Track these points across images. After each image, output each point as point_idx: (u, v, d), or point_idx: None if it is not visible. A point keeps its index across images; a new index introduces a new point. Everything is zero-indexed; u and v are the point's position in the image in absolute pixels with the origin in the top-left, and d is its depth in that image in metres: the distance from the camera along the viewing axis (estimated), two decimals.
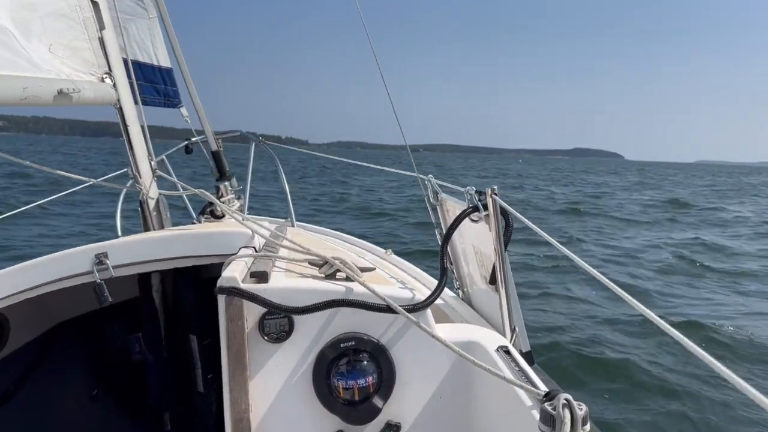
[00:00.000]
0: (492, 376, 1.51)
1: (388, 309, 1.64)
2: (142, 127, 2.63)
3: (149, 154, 2.64)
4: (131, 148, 2.57)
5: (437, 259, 2.04)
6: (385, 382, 1.70)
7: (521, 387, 1.47)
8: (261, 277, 1.68)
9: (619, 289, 1.36)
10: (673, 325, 1.26)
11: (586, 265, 1.56)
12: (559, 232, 15.61)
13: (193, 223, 2.92)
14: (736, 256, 13.19)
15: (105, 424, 2.57)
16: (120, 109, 2.49)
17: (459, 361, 1.70)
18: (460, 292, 2.75)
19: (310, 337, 1.68)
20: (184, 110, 3.92)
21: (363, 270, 1.83)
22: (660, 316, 1.24)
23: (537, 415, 1.35)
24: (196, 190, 2.41)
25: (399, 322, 1.70)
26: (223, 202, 2.90)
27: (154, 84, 3.71)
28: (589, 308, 8.06)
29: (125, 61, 2.55)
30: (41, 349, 2.38)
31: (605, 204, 25.83)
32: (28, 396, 2.30)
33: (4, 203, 14.74)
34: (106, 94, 2.36)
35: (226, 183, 3.12)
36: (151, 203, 2.64)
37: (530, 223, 1.83)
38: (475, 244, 2.30)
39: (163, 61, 3.75)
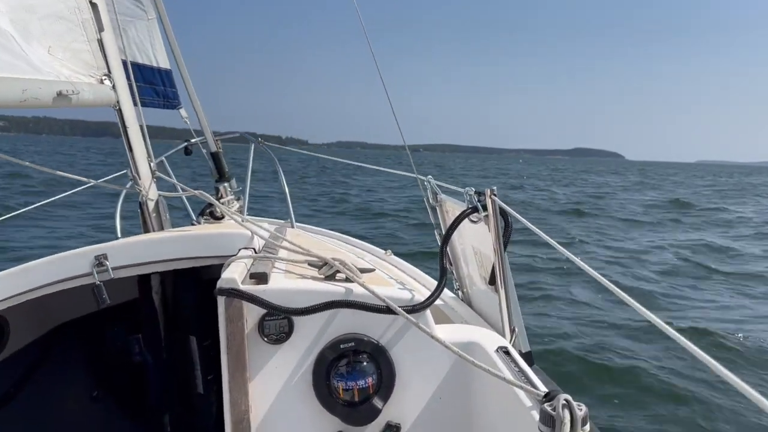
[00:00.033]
0: (492, 377, 1.51)
1: (387, 310, 1.64)
2: (142, 128, 2.63)
3: (149, 156, 2.65)
4: (131, 149, 2.57)
5: (437, 260, 2.04)
6: (385, 383, 1.70)
7: (521, 387, 1.47)
8: (260, 278, 1.68)
9: (622, 293, 1.35)
10: (680, 330, 1.25)
11: (587, 266, 1.55)
12: (562, 233, 15.48)
13: (193, 225, 2.92)
14: (741, 258, 13.03)
15: (105, 425, 2.57)
16: (119, 110, 2.49)
17: (459, 361, 1.70)
18: (459, 292, 2.75)
19: (309, 338, 1.68)
20: (183, 111, 3.92)
21: (362, 271, 1.83)
22: (667, 322, 1.22)
23: (537, 416, 1.35)
24: (196, 192, 2.41)
25: (399, 322, 1.70)
26: (222, 204, 2.90)
27: (153, 85, 3.71)
28: (593, 312, 7.90)
29: (124, 63, 2.55)
30: (41, 350, 2.38)
31: (607, 204, 25.65)
32: (28, 397, 2.30)
33: (2, 204, 14.73)
34: (105, 96, 2.36)
35: (226, 184, 3.12)
36: (151, 204, 2.64)
37: (529, 224, 1.83)
38: (475, 244, 2.30)
39: (162, 62, 3.75)
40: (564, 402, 1.29)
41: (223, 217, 2.73)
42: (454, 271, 2.75)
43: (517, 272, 9.74)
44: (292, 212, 3.23)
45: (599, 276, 1.50)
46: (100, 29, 2.36)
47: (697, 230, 17.97)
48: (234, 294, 1.61)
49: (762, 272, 11.34)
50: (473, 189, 2.06)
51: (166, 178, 2.74)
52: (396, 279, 2.13)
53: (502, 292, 2.03)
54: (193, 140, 3.48)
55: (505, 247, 1.98)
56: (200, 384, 2.37)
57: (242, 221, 2.17)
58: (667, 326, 1.21)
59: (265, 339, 1.66)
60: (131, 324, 2.51)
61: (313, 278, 1.77)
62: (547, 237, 1.73)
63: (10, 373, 2.25)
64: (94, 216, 14.29)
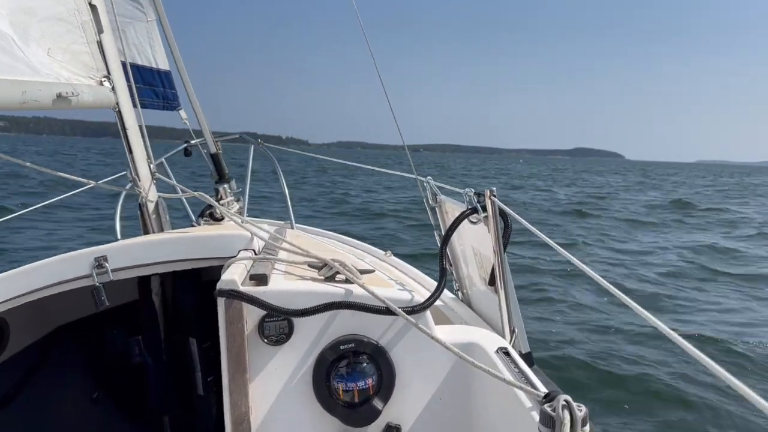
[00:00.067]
0: (492, 378, 1.51)
1: (387, 311, 1.64)
2: (141, 130, 2.63)
3: (148, 157, 2.65)
4: (130, 151, 2.57)
5: (437, 261, 2.04)
6: (385, 384, 1.70)
7: (521, 388, 1.47)
8: (260, 279, 1.68)
9: (625, 296, 1.33)
10: (687, 335, 1.23)
11: (588, 268, 1.54)
12: (565, 234, 15.32)
13: (193, 226, 2.92)
14: (746, 259, 12.84)
15: (105, 427, 2.57)
16: (119, 112, 2.49)
17: (459, 362, 1.70)
18: (459, 293, 2.75)
19: (309, 339, 1.68)
20: (183, 113, 3.93)
21: (362, 272, 1.84)
22: (672, 328, 1.19)
23: (537, 417, 1.35)
24: (196, 193, 2.41)
25: (398, 323, 1.70)
26: (222, 205, 2.90)
27: (152, 87, 3.72)
28: (597, 316, 7.73)
29: (124, 65, 2.55)
30: (41, 352, 2.38)
31: (609, 205, 25.41)
32: (28, 399, 2.30)
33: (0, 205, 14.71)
34: (104, 98, 2.36)
35: (226, 185, 3.12)
36: (151, 206, 2.64)
37: (529, 225, 1.83)
38: (474, 245, 2.30)
39: (162, 63, 3.76)
40: (564, 403, 1.29)
41: (222, 219, 2.73)
42: (453, 272, 2.75)
43: (521, 274, 9.65)
44: (291, 213, 3.24)
45: (600, 278, 1.49)
46: (100, 31, 2.37)
47: (700, 231, 17.78)
48: (234, 295, 1.61)
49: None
50: (473, 190, 2.06)
51: (166, 179, 2.74)
52: (396, 280, 2.13)
53: (501, 292, 2.03)
54: (192, 141, 3.48)
55: (504, 248, 1.98)
56: (200, 385, 2.37)
57: (242, 223, 2.17)
58: (671, 331, 1.18)
59: (265, 340, 1.66)
60: (131, 326, 2.51)
61: (313, 279, 1.78)
62: (547, 238, 1.73)
63: (10, 375, 2.25)
64: (93, 217, 14.23)
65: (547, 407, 1.30)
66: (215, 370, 2.04)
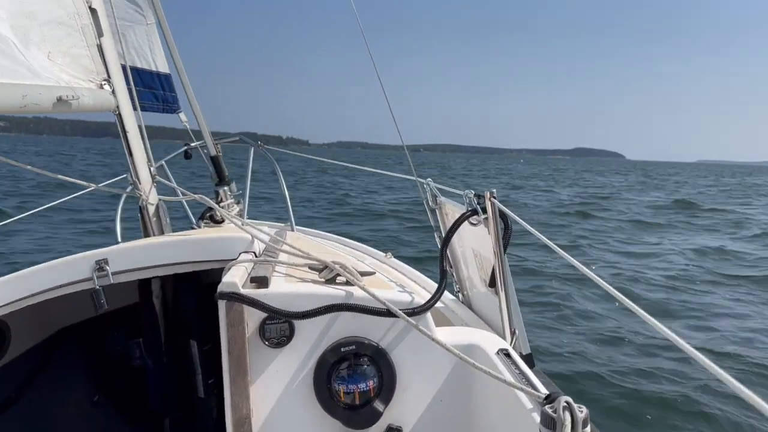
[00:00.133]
0: (492, 379, 1.51)
1: (388, 313, 1.64)
2: (141, 132, 2.64)
3: (149, 160, 2.65)
4: (131, 153, 2.58)
5: (437, 263, 2.04)
6: (386, 386, 1.70)
7: (522, 390, 1.47)
8: (261, 282, 1.68)
9: (633, 304, 1.31)
10: (700, 347, 1.20)
11: (592, 273, 1.53)
12: (569, 237, 15.04)
13: (193, 228, 2.92)
14: (756, 261, 12.52)
15: (106, 429, 2.57)
16: (119, 115, 2.49)
17: (459, 364, 1.70)
18: (459, 295, 2.75)
19: (310, 341, 1.69)
20: (182, 115, 3.93)
21: (363, 274, 1.84)
22: (686, 337, 1.17)
23: (538, 418, 1.35)
24: (196, 196, 2.42)
25: (399, 325, 1.70)
26: (222, 207, 2.90)
27: (152, 90, 3.72)
28: (609, 324, 7.39)
29: (124, 68, 2.56)
30: (42, 355, 2.38)
31: (612, 205, 25.09)
32: (29, 402, 2.31)
33: None
34: (105, 101, 2.36)
35: (226, 188, 3.13)
36: (151, 209, 2.65)
37: (529, 227, 1.83)
38: (475, 247, 2.30)
39: (162, 66, 3.76)
40: (565, 404, 1.29)
41: (223, 221, 2.73)
42: (454, 274, 2.75)
43: (526, 277, 9.51)
44: (292, 215, 3.24)
45: (606, 284, 1.48)
46: (100, 34, 2.37)
47: (708, 232, 17.51)
48: (235, 298, 1.61)
49: None
50: (473, 192, 2.06)
51: (166, 182, 2.75)
52: (396, 282, 2.14)
53: (502, 294, 2.04)
54: (192, 144, 3.49)
55: (505, 250, 1.98)
56: (201, 388, 2.37)
57: (242, 225, 2.18)
58: (679, 338, 1.16)
59: (266, 343, 1.66)
60: (132, 328, 2.52)
61: (314, 282, 1.78)
62: (548, 240, 1.73)
63: (11, 378, 2.26)
64: (91, 219, 14.16)
65: (548, 408, 1.30)
66: (216, 373, 2.04)
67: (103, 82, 2.38)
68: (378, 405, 1.69)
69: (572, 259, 1.63)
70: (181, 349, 2.38)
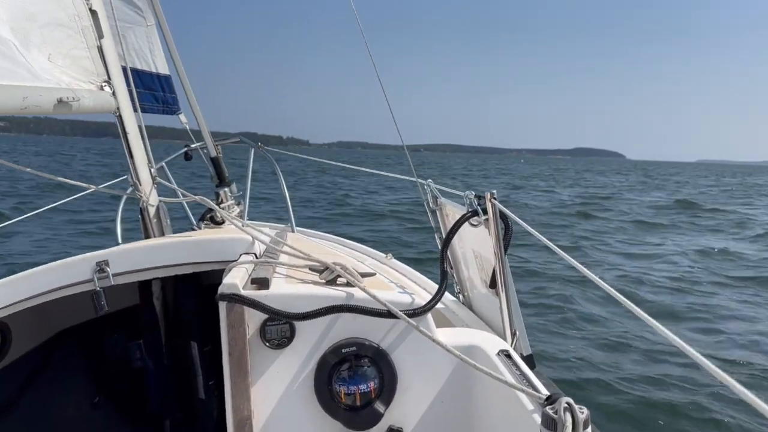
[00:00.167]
0: (493, 380, 1.51)
1: (389, 314, 1.65)
2: (142, 134, 2.64)
3: (149, 162, 2.65)
4: (131, 155, 2.58)
5: (437, 263, 2.04)
6: (387, 387, 1.70)
7: (522, 391, 1.48)
8: (262, 283, 1.69)
9: (638, 308, 1.30)
10: (708, 354, 1.16)
11: (595, 276, 1.52)
12: (572, 238, 14.88)
13: (193, 230, 2.93)
14: (761, 262, 12.39)
15: (106, 431, 2.57)
16: (119, 116, 2.49)
17: (460, 365, 1.70)
18: (460, 296, 2.75)
19: (311, 342, 1.69)
20: (183, 117, 3.93)
21: (363, 275, 1.84)
22: (692, 342, 1.14)
23: (538, 419, 1.35)
24: (196, 197, 2.42)
25: (400, 327, 1.70)
26: (222, 209, 2.90)
27: (152, 91, 3.72)
28: (614, 329, 7.18)
29: (124, 69, 2.56)
30: (43, 357, 2.38)
31: (614, 206, 24.88)
32: (29, 404, 2.31)
33: None
34: (105, 102, 2.37)
35: (226, 189, 3.12)
36: (151, 210, 2.65)
37: (530, 228, 1.83)
38: (475, 248, 2.30)
39: (162, 68, 3.76)
40: (566, 405, 1.29)
41: (223, 222, 2.73)
42: (454, 275, 2.75)
43: (529, 279, 9.41)
44: (292, 217, 3.24)
45: (604, 284, 1.48)
46: (100, 36, 2.37)
47: (711, 232, 17.37)
48: (235, 299, 1.61)
49: None
50: (473, 193, 2.07)
51: (167, 183, 2.75)
52: (397, 283, 2.14)
53: (502, 295, 2.04)
54: (193, 145, 3.49)
55: (505, 251, 1.98)
56: (201, 389, 2.37)
57: (242, 226, 2.18)
58: (684, 342, 1.15)
59: (267, 344, 1.67)
60: (132, 330, 2.52)
61: (314, 283, 1.78)
62: (548, 241, 1.73)
63: (12, 380, 2.26)
64: (89, 220, 14.12)
65: (548, 410, 1.31)
66: (216, 374, 2.04)
67: (104, 84, 2.38)
68: (379, 406, 1.69)
69: (574, 261, 1.63)
70: (182, 351, 2.38)
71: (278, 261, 1.94)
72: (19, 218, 3.62)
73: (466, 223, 2.07)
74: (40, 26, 2.08)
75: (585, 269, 1.53)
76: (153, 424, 2.50)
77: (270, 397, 1.68)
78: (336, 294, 1.70)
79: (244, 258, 1.92)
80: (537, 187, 37.71)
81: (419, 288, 2.74)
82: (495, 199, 1.94)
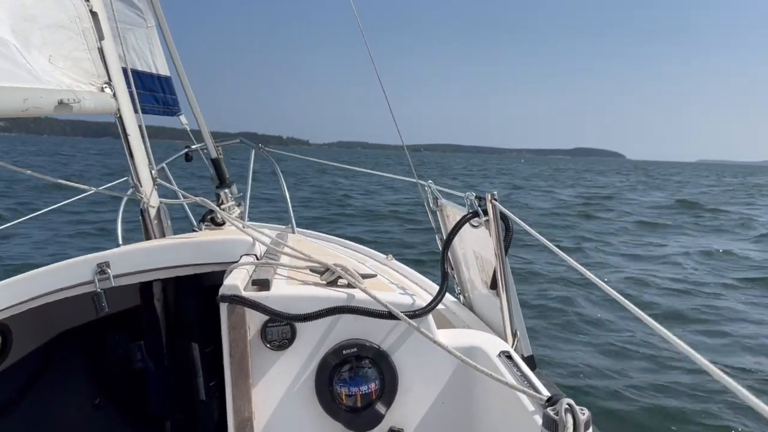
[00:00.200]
0: (494, 382, 1.51)
1: (389, 315, 1.65)
2: (143, 135, 2.64)
3: (150, 163, 2.65)
4: (132, 156, 2.58)
5: (438, 264, 2.04)
6: (388, 389, 1.70)
7: (523, 392, 1.48)
8: (263, 284, 1.69)
9: (642, 312, 1.28)
10: (714, 357, 1.12)
11: (599, 279, 1.51)
12: (574, 238, 14.78)
13: (194, 231, 2.93)
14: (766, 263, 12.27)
15: None
16: (120, 118, 2.49)
17: (461, 366, 1.71)
18: (461, 297, 2.75)
19: (312, 344, 1.69)
20: (183, 118, 3.94)
21: (364, 276, 1.84)
22: (709, 359, 1.08)
23: (539, 420, 1.35)
24: (197, 199, 2.42)
25: (401, 328, 1.70)
26: (223, 210, 2.90)
27: (153, 92, 3.73)
28: (622, 334, 7.02)
29: (124, 71, 2.56)
30: (44, 358, 2.38)
31: (616, 206, 24.70)
32: (30, 405, 2.31)
33: None
34: (106, 104, 2.37)
35: (227, 190, 3.12)
36: (152, 211, 2.65)
37: (530, 229, 1.83)
38: (476, 249, 2.30)
39: (162, 69, 3.77)
40: (567, 406, 1.29)
41: (224, 223, 2.73)
42: (455, 276, 2.75)
43: (531, 281, 9.32)
44: (293, 218, 3.24)
45: (608, 288, 1.47)
46: (101, 38, 2.37)
47: (713, 232, 17.24)
48: (236, 301, 1.61)
49: None
50: (474, 194, 2.07)
51: (167, 185, 2.75)
52: (397, 284, 2.14)
53: (503, 296, 2.04)
54: (193, 146, 3.49)
55: (506, 252, 1.98)
56: (202, 390, 2.37)
57: (243, 227, 2.18)
58: (689, 347, 1.13)
59: (268, 345, 1.67)
60: (133, 331, 2.52)
61: (315, 284, 1.78)
62: (548, 242, 1.73)
63: (13, 381, 2.26)
64: (91, 220, 14.11)
65: (549, 411, 1.31)
66: (217, 375, 2.04)
67: (104, 85, 2.38)
68: (380, 407, 1.70)
69: (575, 263, 1.63)
70: (183, 352, 2.38)
71: (279, 262, 1.94)
72: (19, 220, 3.62)
73: (467, 224, 2.07)
74: (41, 28, 2.08)
75: (587, 271, 1.53)
76: (154, 425, 2.50)
77: (271, 398, 1.68)
78: (337, 295, 1.70)
79: (244, 259, 1.92)
80: (538, 187, 37.57)
81: (420, 289, 2.74)
82: (495, 200, 1.94)
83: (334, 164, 4.57)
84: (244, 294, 1.63)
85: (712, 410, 5.19)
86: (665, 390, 5.60)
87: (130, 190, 2.73)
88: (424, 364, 1.73)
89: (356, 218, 17.87)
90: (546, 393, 1.47)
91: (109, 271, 1.90)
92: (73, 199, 3.67)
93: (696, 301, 8.92)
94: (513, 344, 2.03)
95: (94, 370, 2.56)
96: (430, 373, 1.73)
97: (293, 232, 3.18)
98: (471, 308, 2.62)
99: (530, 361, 1.99)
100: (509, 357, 1.75)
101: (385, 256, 3.31)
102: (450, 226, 2.33)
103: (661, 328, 1.21)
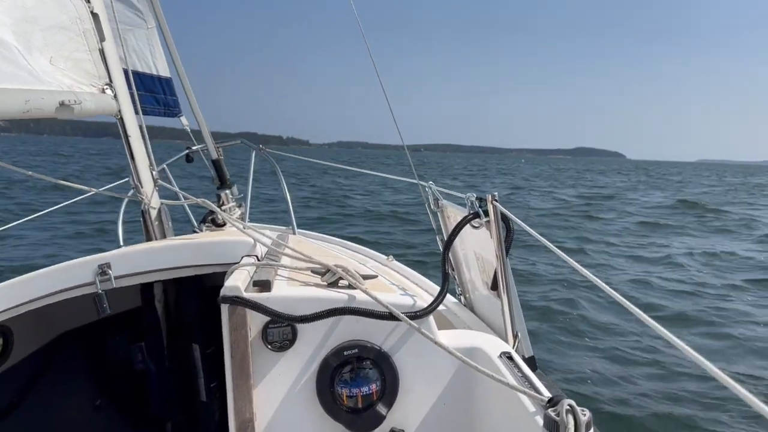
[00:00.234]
0: (495, 382, 1.52)
1: (390, 316, 1.65)
2: (143, 136, 2.64)
3: (151, 164, 2.65)
4: (132, 157, 2.58)
5: (439, 265, 2.04)
6: (389, 390, 1.71)
7: (524, 393, 1.48)
8: (264, 285, 1.69)
9: (645, 314, 1.28)
10: (721, 361, 1.10)
11: (600, 281, 1.50)
12: (576, 239, 14.62)
13: (195, 232, 2.93)
14: None
15: None
16: (121, 119, 2.50)
17: (462, 367, 1.71)
18: (462, 298, 2.75)
19: (313, 345, 1.69)
20: (184, 119, 3.94)
21: (365, 277, 1.84)
22: (720, 367, 1.05)
23: (540, 421, 1.35)
24: (198, 200, 2.42)
25: (402, 329, 1.70)
26: (224, 211, 2.90)
27: (153, 94, 3.73)
28: (627, 339, 6.86)
29: (125, 72, 2.56)
30: (45, 359, 2.38)
31: (618, 206, 24.52)
32: (31, 406, 2.31)
33: None
34: (107, 105, 2.37)
35: (227, 191, 3.12)
36: (153, 212, 2.65)
37: (531, 230, 1.84)
38: (477, 250, 2.30)
39: (163, 70, 3.77)
40: (568, 407, 1.29)
41: (225, 224, 2.73)
42: (456, 277, 2.75)
43: (533, 283, 9.24)
44: (293, 219, 3.24)
45: (612, 291, 1.46)
46: (102, 39, 2.37)
47: (716, 233, 17.08)
48: (237, 302, 1.62)
49: None
50: (474, 195, 2.07)
51: (168, 186, 2.75)
52: (398, 285, 2.14)
53: (504, 297, 2.04)
54: (194, 147, 3.49)
55: (507, 253, 1.98)
56: (203, 391, 2.37)
57: (244, 228, 2.18)
58: (698, 354, 1.11)
59: (269, 346, 1.67)
60: (134, 332, 2.52)
61: (316, 285, 1.78)
62: (549, 243, 1.73)
63: (14, 382, 2.26)
64: (91, 221, 14.06)
65: (550, 412, 1.31)
66: (218, 376, 2.04)
67: (105, 87, 2.38)
68: (381, 408, 1.70)
69: (576, 264, 1.63)
70: (184, 353, 2.38)
71: (280, 263, 1.95)
72: (19, 221, 3.62)
73: (468, 224, 2.07)
74: (42, 29, 2.08)
75: (591, 274, 1.53)
76: (155, 426, 2.50)
77: (272, 399, 1.68)
78: (338, 296, 1.70)
79: (245, 260, 1.92)
80: (538, 188, 37.45)
81: (421, 290, 2.75)
82: (496, 200, 1.94)
83: (334, 165, 4.57)
84: (245, 295, 1.63)
85: (721, 419, 5.09)
86: (673, 397, 5.48)
87: (131, 192, 2.73)
88: (425, 365, 1.73)
89: (356, 218, 17.83)
90: (547, 394, 1.47)
91: (110, 272, 1.91)
92: (73, 200, 3.68)
93: (701, 302, 8.80)
94: (514, 345, 2.03)
95: (94, 371, 2.56)
96: (431, 374, 1.73)
97: (294, 233, 3.18)
98: (472, 309, 2.62)
99: (531, 362, 1.99)
100: (510, 358, 1.75)
101: (385, 257, 3.31)
102: (451, 227, 2.33)
103: (667, 333, 1.21)
